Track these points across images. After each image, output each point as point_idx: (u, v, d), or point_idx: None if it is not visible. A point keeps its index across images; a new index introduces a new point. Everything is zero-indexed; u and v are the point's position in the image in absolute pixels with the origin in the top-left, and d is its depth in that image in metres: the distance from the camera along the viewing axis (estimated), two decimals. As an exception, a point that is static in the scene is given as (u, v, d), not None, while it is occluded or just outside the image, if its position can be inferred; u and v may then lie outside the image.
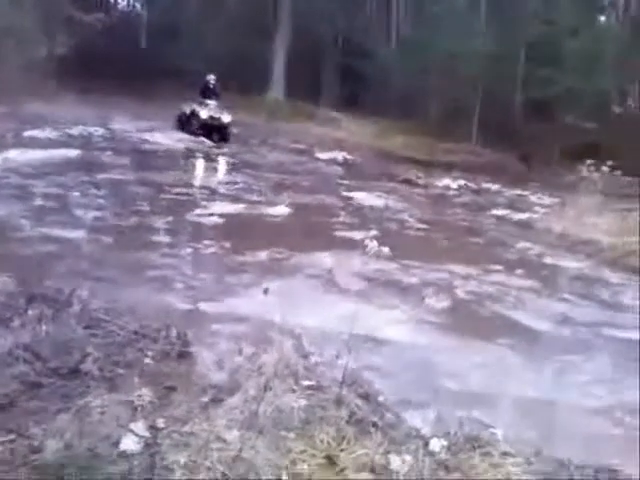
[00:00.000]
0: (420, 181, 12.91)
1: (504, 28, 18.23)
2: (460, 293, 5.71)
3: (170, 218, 7.37)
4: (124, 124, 15.62)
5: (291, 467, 2.52)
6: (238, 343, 3.58)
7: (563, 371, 4.19)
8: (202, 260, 5.98)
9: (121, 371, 3.19)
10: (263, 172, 11.95)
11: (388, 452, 2.65)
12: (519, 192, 12.30)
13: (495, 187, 12.90)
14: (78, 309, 3.82)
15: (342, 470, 2.54)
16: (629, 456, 2.96)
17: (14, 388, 2.94)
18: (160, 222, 7.14)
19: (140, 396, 2.92)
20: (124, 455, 2.52)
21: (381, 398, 3.20)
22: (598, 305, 5.87)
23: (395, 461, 2.59)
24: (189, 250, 6.22)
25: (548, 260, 7.43)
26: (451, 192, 12.18)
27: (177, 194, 8.96)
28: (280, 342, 3.55)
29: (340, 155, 15.01)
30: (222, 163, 13.09)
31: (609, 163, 9.86)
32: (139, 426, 2.70)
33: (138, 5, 31.21)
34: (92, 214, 7.23)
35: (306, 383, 3.20)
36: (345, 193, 10.60)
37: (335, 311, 4.31)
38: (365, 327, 3.82)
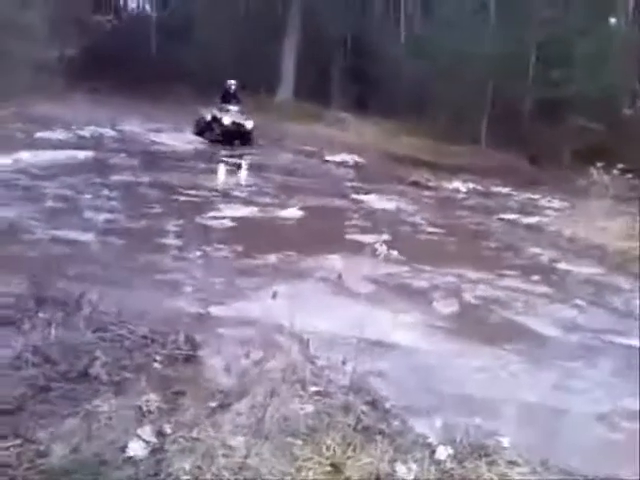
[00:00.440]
0: (429, 184, 12.87)
1: (514, 29, 18.14)
2: (469, 297, 5.69)
3: (181, 221, 7.38)
4: (134, 125, 15.69)
5: (297, 474, 2.53)
6: (246, 348, 3.58)
7: (568, 377, 4.17)
8: (213, 263, 5.99)
9: (129, 375, 3.20)
10: (273, 174, 11.97)
11: (394, 460, 2.65)
12: (529, 195, 12.24)
13: (505, 190, 12.85)
14: (87, 312, 3.84)
15: (348, 478, 2.54)
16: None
17: (22, 391, 2.95)
18: (170, 225, 7.16)
19: (148, 401, 2.93)
20: (131, 460, 2.53)
21: (388, 405, 3.20)
22: (608, 311, 5.81)
23: (401, 469, 2.59)
24: (199, 253, 6.22)
25: (558, 265, 7.37)
26: (460, 195, 12.13)
27: (188, 196, 8.98)
28: (288, 347, 3.56)
29: (349, 157, 15.00)
30: (232, 165, 13.09)
31: (619, 166, 9.82)
32: (146, 431, 2.71)
33: (148, 7, 31.32)
34: (102, 216, 7.26)
35: (313, 389, 3.20)
36: (355, 196, 10.60)
37: (344, 315, 4.30)
38: (374, 332, 3.83)
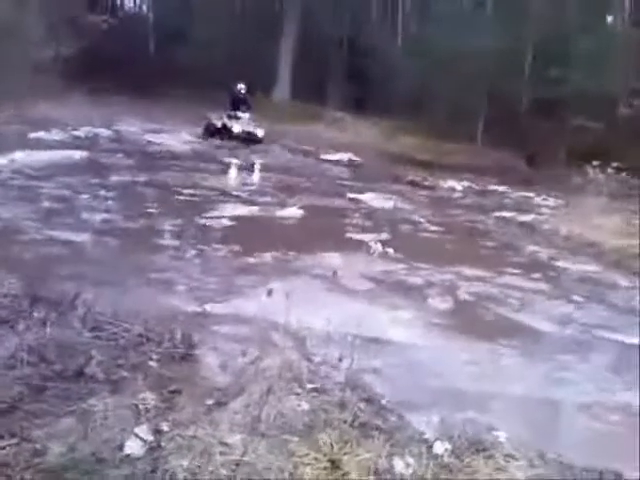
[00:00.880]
0: (426, 182, 12.89)
1: (511, 27, 18.14)
2: (465, 295, 5.70)
3: (179, 221, 7.37)
4: (130, 126, 15.66)
5: (294, 471, 2.52)
6: (243, 345, 3.58)
7: (563, 371, 4.17)
8: (211, 262, 5.99)
9: (125, 374, 3.20)
10: (271, 173, 11.96)
11: (392, 455, 2.65)
12: (525, 194, 12.25)
13: (501, 189, 12.86)
14: (82, 312, 3.83)
15: (345, 474, 2.53)
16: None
17: (18, 391, 2.94)
18: (168, 224, 7.15)
19: (144, 399, 2.93)
20: (128, 459, 2.52)
21: (384, 401, 3.20)
22: (605, 308, 5.82)
23: (398, 465, 2.59)
24: (196, 252, 6.22)
25: (554, 262, 7.39)
26: (456, 194, 12.14)
27: (187, 195, 8.97)
28: (284, 345, 3.56)
29: (346, 156, 15.00)
30: (230, 164, 13.07)
31: (615, 164, 9.85)
32: (143, 430, 2.70)
33: (144, 6, 31.27)
34: (98, 216, 7.24)
35: (310, 386, 3.20)
36: (353, 195, 10.60)
37: (341, 312, 4.30)
38: (371, 328, 3.83)
